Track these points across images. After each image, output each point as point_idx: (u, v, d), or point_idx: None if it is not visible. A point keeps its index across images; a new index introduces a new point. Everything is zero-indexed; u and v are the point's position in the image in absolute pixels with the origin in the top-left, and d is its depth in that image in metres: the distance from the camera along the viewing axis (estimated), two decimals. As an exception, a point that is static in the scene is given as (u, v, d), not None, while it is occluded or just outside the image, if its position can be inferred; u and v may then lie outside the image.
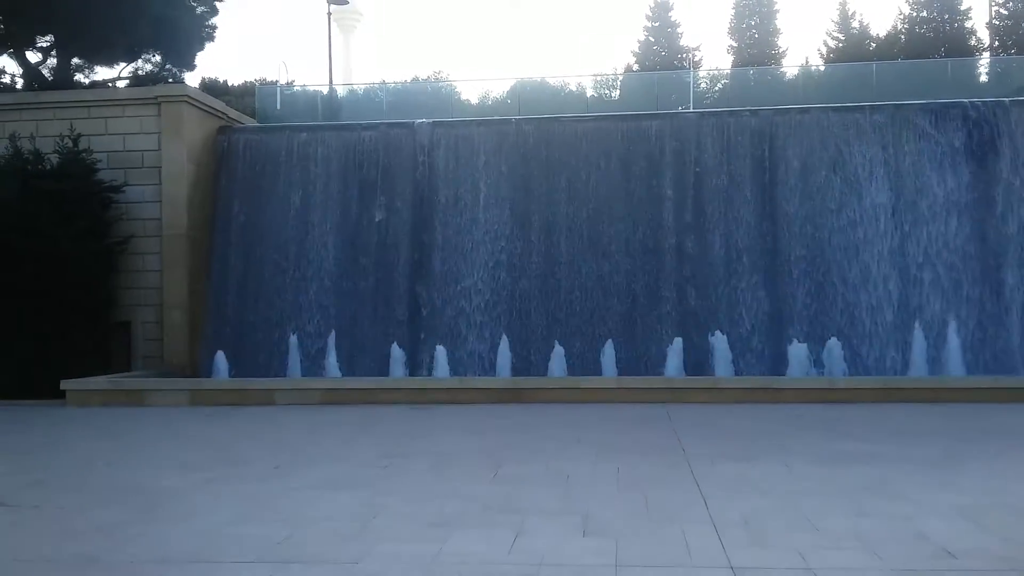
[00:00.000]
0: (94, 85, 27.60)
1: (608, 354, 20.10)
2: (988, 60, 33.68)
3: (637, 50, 46.25)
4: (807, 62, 44.51)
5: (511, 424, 14.59)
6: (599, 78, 33.71)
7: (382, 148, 21.97)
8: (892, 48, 40.26)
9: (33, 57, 26.57)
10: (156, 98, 21.78)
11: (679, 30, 46.13)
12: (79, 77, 27.52)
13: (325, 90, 28.68)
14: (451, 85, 32.34)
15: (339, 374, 20.49)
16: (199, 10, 27.86)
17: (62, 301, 19.49)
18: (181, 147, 21.52)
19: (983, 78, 26.61)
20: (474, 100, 30.35)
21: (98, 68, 28.45)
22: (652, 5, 46.27)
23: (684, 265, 20.58)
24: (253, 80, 39.88)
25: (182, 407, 17.79)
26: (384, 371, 20.52)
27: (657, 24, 46.06)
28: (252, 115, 25.68)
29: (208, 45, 29.26)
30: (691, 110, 23.33)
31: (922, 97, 21.13)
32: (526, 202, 21.32)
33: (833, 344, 19.58)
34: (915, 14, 42.14)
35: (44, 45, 26.45)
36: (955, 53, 36.77)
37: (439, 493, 9.17)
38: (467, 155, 21.73)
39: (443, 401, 17.52)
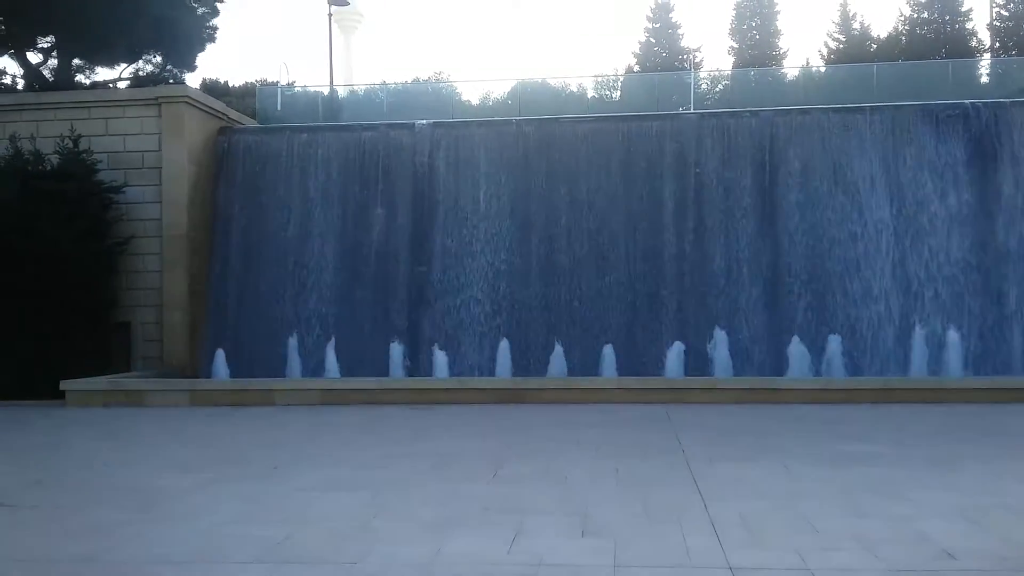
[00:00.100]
0: (95, 86, 27.62)
1: (608, 355, 20.09)
2: (989, 61, 33.68)
3: (638, 51, 46.22)
4: (808, 63, 44.45)
5: (511, 425, 14.59)
6: (600, 79, 33.66)
7: (382, 149, 21.97)
8: (893, 49, 40.22)
9: (34, 58, 26.62)
10: (157, 99, 21.78)
11: (680, 31, 46.12)
12: (80, 78, 27.55)
13: (326, 91, 28.68)
14: (451, 86, 32.32)
15: (338, 374, 20.49)
16: (200, 11, 27.89)
17: (62, 301, 19.49)
18: (181, 148, 21.53)
19: (984, 79, 26.57)
20: (475, 101, 30.33)
21: (99, 69, 28.50)
22: (653, 6, 46.26)
23: (684, 266, 20.56)
24: (254, 81, 39.86)
25: (182, 407, 17.80)
26: (384, 372, 20.51)
27: (658, 25, 46.03)
28: (253, 116, 25.68)
29: (209, 46, 29.30)
30: (692, 111, 23.32)
31: (923, 98, 21.12)
32: (526, 203, 21.31)
33: (833, 343, 19.55)
34: (916, 15, 42.11)
35: (45, 46, 26.48)
36: (956, 54, 36.73)
37: (439, 493, 9.16)
38: (467, 156, 21.72)
39: (443, 401, 17.52)
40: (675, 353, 19.91)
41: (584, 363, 20.21)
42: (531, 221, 21.22)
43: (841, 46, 43.46)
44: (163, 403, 18.09)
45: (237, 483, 9.95)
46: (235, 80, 48.86)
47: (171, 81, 27.43)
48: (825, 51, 44.27)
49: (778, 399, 16.91)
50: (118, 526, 7.99)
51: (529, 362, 20.43)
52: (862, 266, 19.98)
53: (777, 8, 45.35)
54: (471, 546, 7.12)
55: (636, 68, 44.61)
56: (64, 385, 18.35)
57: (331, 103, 27.23)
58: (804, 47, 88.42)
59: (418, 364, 20.74)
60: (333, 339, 21.00)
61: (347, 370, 20.64)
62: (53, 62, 26.60)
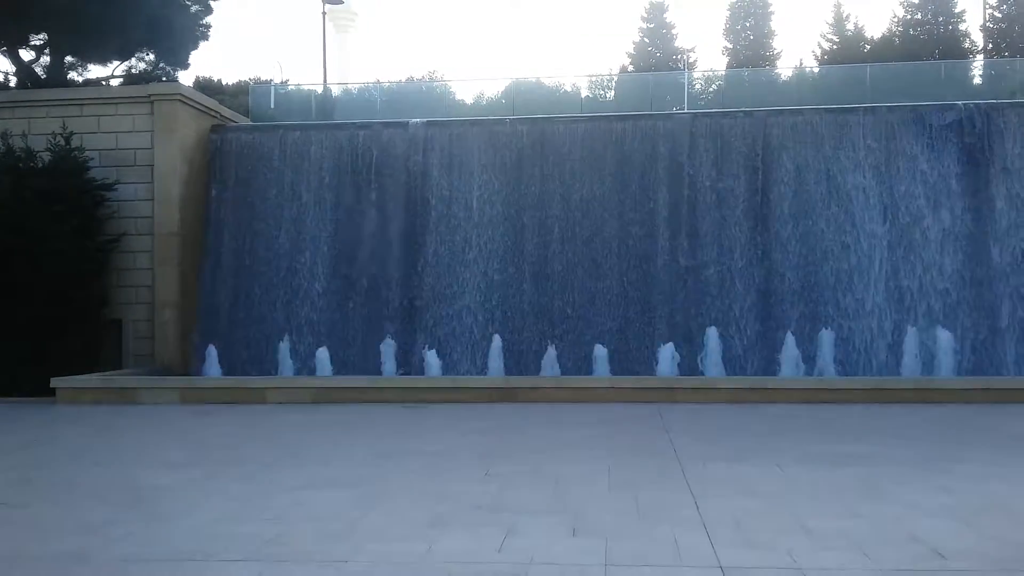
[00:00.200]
0: (87, 83, 27.51)
1: (600, 357, 20.09)
2: (982, 62, 33.74)
3: (632, 51, 46.24)
4: (801, 64, 44.56)
5: (502, 424, 14.58)
6: (594, 78, 33.65)
7: (376, 147, 21.94)
8: (886, 50, 40.27)
9: (26, 55, 26.48)
10: (149, 96, 21.71)
11: (674, 31, 46.14)
12: (72, 75, 27.43)
13: (319, 89, 28.63)
14: (445, 85, 32.31)
15: (330, 373, 20.46)
16: (193, 9, 27.78)
17: (53, 299, 19.40)
18: (174, 146, 21.46)
19: (977, 80, 26.62)
20: (469, 100, 30.29)
21: (91, 66, 28.38)
22: (647, 6, 46.27)
23: (677, 264, 20.58)
24: (247, 79, 39.77)
25: (173, 405, 17.75)
26: (375, 371, 20.48)
27: (652, 25, 46.06)
28: (246, 114, 25.61)
29: (202, 44, 29.19)
30: (685, 111, 23.32)
31: (916, 99, 21.16)
32: (519, 202, 21.30)
33: (825, 337, 19.59)
34: (909, 16, 42.22)
35: (37, 43, 26.36)
36: (949, 55, 36.84)
37: (430, 492, 9.15)
38: (461, 154, 21.71)
39: (435, 400, 17.49)
40: (667, 354, 19.91)
41: (576, 363, 20.21)
42: (524, 221, 21.21)
43: (835, 47, 43.56)
44: (154, 401, 18.04)
45: (227, 481, 9.92)
46: (228, 78, 48.78)
47: (164, 79, 27.32)
48: (819, 52, 44.37)
49: (770, 398, 16.93)
50: (108, 524, 7.96)
51: (521, 363, 20.41)
52: (855, 266, 20.00)
53: (771, 9, 45.43)
54: (461, 545, 7.10)
55: (630, 68, 44.63)
56: (55, 382, 18.26)
57: (325, 102, 27.19)
58: (798, 48, 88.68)
59: (410, 363, 20.71)
60: (325, 338, 20.96)
61: (339, 368, 20.61)
62: (46, 59, 26.49)
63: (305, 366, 20.85)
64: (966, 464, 10.46)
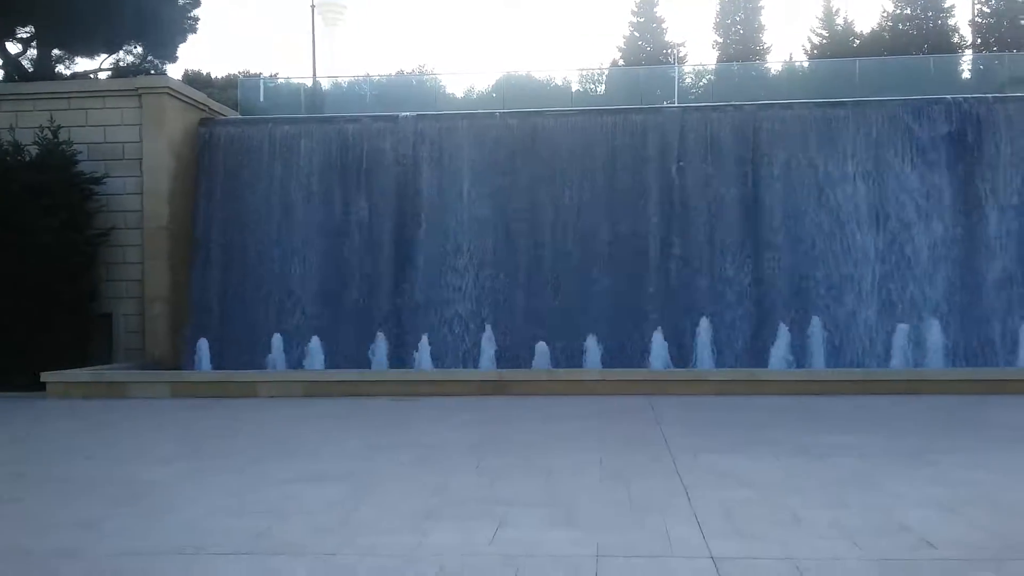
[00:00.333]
0: (75, 77, 27.36)
1: (591, 347, 20.11)
2: (971, 57, 33.87)
3: (623, 45, 46.23)
4: (791, 58, 44.63)
5: (494, 416, 14.58)
6: (584, 72, 33.65)
7: (366, 141, 21.90)
8: (876, 45, 40.37)
9: (13, 48, 26.33)
10: (137, 89, 21.61)
11: (664, 26, 46.17)
12: (60, 68, 27.28)
13: (309, 83, 28.60)
14: (436, 78, 32.17)
15: (321, 367, 20.42)
16: (181, 1, 27.64)
17: (42, 293, 19.33)
18: (162, 139, 21.38)
19: (966, 75, 26.73)
20: (459, 94, 30.22)
21: (79, 59, 28.22)
22: (638, 1, 46.24)
23: (667, 258, 20.62)
24: (236, 73, 39.61)
25: (163, 399, 17.69)
26: (366, 364, 20.45)
27: (642, 19, 46.04)
28: (235, 107, 25.53)
29: (191, 37, 29.03)
30: (675, 105, 23.35)
31: (905, 93, 21.24)
32: (510, 195, 21.31)
33: (815, 329, 19.67)
34: (899, 11, 42.32)
35: (24, 36, 26.21)
36: (938, 50, 36.93)
37: (421, 485, 9.14)
38: (451, 148, 21.69)
39: (427, 394, 17.47)
40: (658, 346, 19.95)
41: (568, 354, 20.24)
42: (515, 213, 21.21)
43: (824, 41, 43.64)
44: (145, 395, 17.97)
45: (218, 475, 9.89)
46: (217, 72, 48.53)
47: (152, 72, 27.19)
48: (808, 46, 44.45)
49: (761, 390, 16.98)
50: (100, 519, 7.93)
51: (513, 355, 20.42)
52: (846, 258, 20.09)
53: (761, 3, 45.46)
54: (453, 537, 7.10)
55: (621, 62, 44.63)
56: (45, 377, 18.19)
57: (314, 95, 27.12)
58: (788, 42, 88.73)
59: (402, 355, 20.69)
60: (316, 331, 20.92)
61: (330, 361, 20.58)
62: (33, 52, 26.34)
63: (297, 360, 20.81)
64: (955, 455, 10.51)
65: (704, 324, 20.04)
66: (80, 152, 20.83)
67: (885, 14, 42.79)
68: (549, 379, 18.01)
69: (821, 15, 44.79)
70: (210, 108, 23.36)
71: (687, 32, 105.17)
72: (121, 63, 28.29)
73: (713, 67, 33.41)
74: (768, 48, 45.16)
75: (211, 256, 21.59)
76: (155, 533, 7.45)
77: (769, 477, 9.31)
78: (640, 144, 21.24)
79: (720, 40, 45.48)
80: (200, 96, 23.27)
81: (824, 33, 44.24)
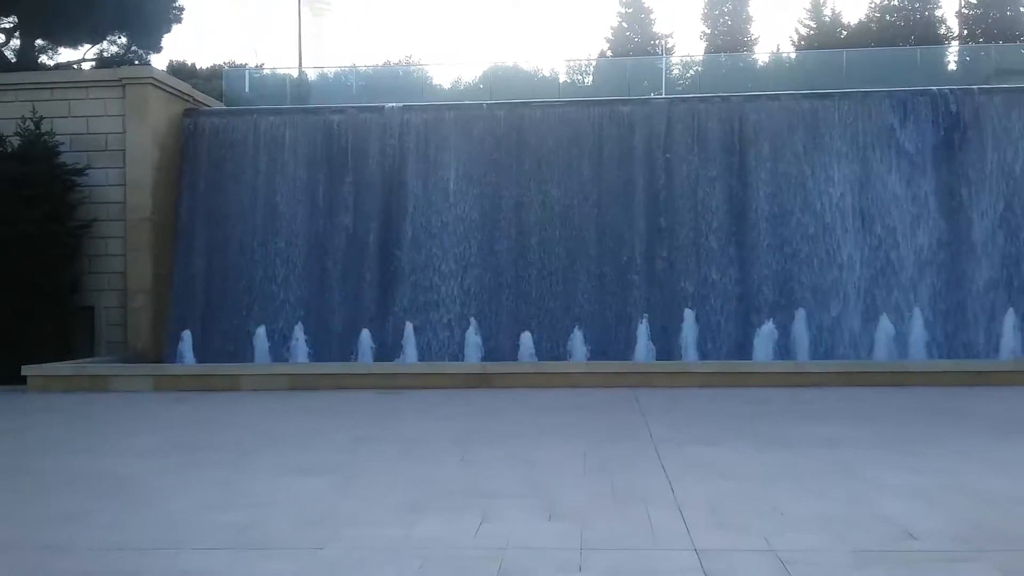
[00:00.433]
0: (58, 67, 27.15)
1: (577, 338, 20.11)
2: (957, 48, 33.91)
3: (610, 36, 46.11)
4: (779, 49, 44.63)
5: (479, 409, 14.56)
6: (572, 63, 33.56)
7: (351, 132, 21.79)
8: (863, 36, 40.42)
9: (-5, 38, 26.11)
10: (120, 80, 21.43)
11: (652, 16, 46.05)
12: (43, 59, 27.08)
13: (295, 73, 28.39)
14: (422, 69, 31.98)
15: (306, 359, 20.34)
16: (166, -9, 27.47)
17: (23, 285, 19.17)
18: (146, 130, 21.20)
19: (952, 66, 26.77)
20: (446, 85, 30.10)
21: (62, 50, 28.03)
22: (625, -9, 46.10)
23: (654, 249, 20.62)
24: (221, 63, 39.33)
25: (146, 393, 17.59)
26: (352, 356, 20.39)
27: (630, 10, 45.93)
28: (220, 98, 25.34)
29: (175, 27, 28.88)
30: (663, 96, 23.31)
31: (892, 84, 21.28)
32: (497, 186, 21.24)
33: (800, 322, 19.71)
34: (886, 3, 42.35)
35: (7, 26, 25.99)
36: (925, 42, 36.97)
37: (406, 478, 9.12)
38: (438, 139, 21.60)
39: (411, 386, 17.44)
40: (643, 336, 19.96)
41: (553, 346, 20.23)
42: (501, 205, 21.16)
43: (812, 33, 43.67)
44: (127, 388, 17.86)
45: (202, 469, 9.84)
46: (202, 62, 48.26)
47: (136, 62, 27.01)
48: (796, 37, 44.47)
49: (745, 382, 17.02)
50: (85, 513, 7.87)
51: (498, 347, 20.39)
52: (831, 248, 20.13)
53: (749, -6, 45.41)
54: (438, 530, 7.08)
55: (608, 53, 44.52)
56: (26, 370, 18.06)
57: (300, 86, 26.94)
58: (775, 33, 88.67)
59: (387, 348, 20.62)
60: (301, 324, 20.83)
61: (315, 354, 20.50)
62: (15, 43, 26.12)
63: (281, 352, 20.71)
64: (937, 446, 10.56)
65: (689, 316, 20.05)
66: (63, 143, 20.64)
67: (872, 5, 42.84)
68: (534, 371, 18.00)
69: (809, 6, 44.78)
70: (195, 99, 23.18)
71: (675, 23, 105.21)
72: (105, 53, 28.09)
73: (701, 58, 33.39)
74: (756, 39, 45.15)
75: (195, 248, 21.44)
76: (137, 527, 7.41)
77: (752, 469, 9.33)
78: (627, 135, 21.21)
79: (708, 31, 45.44)
80: (185, 87, 23.10)
81: (812, 24, 44.26)
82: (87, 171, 20.77)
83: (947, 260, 19.96)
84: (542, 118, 21.54)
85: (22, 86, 21.43)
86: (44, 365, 18.36)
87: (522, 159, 21.29)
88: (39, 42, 26.39)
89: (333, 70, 30.46)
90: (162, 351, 20.92)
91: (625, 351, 19.95)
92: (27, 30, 25.42)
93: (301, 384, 17.78)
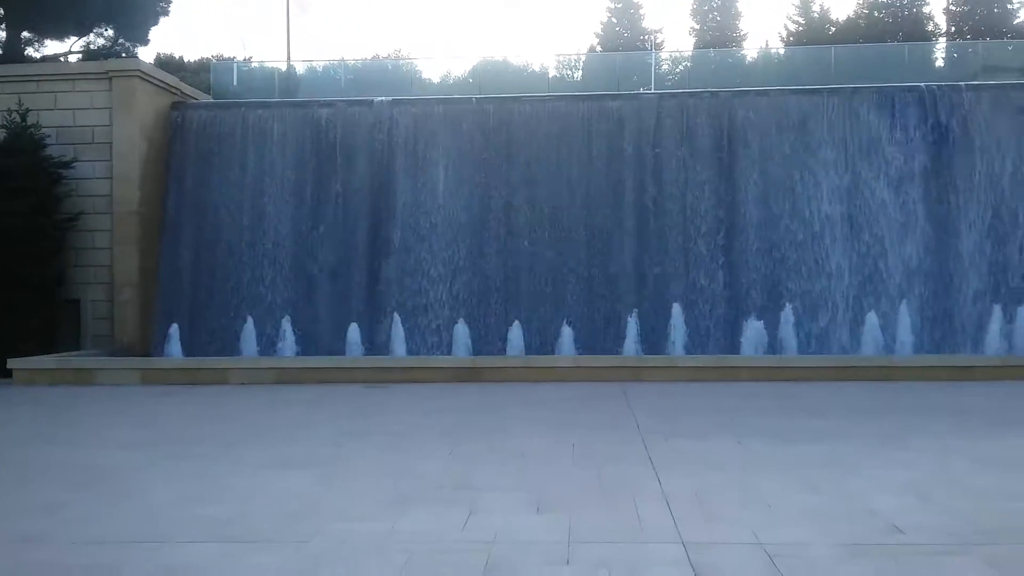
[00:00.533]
0: (44, 59, 26.97)
1: (566, 333, 20.11)
2: (945, 45, 34.05)
3: (600, 31, 46.22)
4: (767, 45, 44.80)
5: (467, 403, 14.54)
6: (562, 58, 33.58)
7: (340, 125, 21.70)
8: (851, 32, 40.56)
9: (-19, 30, 25.92)
10: (107, 73, 21.27)
11: (641, 11, 46.21)
12: (29, 51, 26.89)
13: (283, 67, 28.26)
14: (411, 63, 31.86)
15: (294, 353, 20.27)
16: (153, -17, 27.31)
17: (9, 278, 19.03)
18: (133, 123, 21.05)
19: (940, 63, 26.86)
20: (435, 79, 30.04)
21: (48, 42, 27.88)
22: (615, -13, 46.14)
23: (642, 245, 20.62)
24: (209, 56, 39.14)
25: (133, 386, 17.48)
26: (340, 350, 20.32)
27: (620, 6, 46.01)
28: (208, 91, 25.22)
29: (163, 20, 28.75)
30: (652, 91, 23.30)
31: (880, 80, 21.34)
32: (486, 181, 21.20)
33: (787, 318, 19.76)
34: (874, -1, 42.54)
35: (-7, 18, 25.80)
36: (913, 38, 37.15)
37: (394, 472, 9.08)
38: (427, 133, 21.53)
39: (400, 380, 17.39)
40: (632, 333, 19.96)
41: (542, 341, 20.22)
42: (490, 200, 21.11)
43: (800, 28, 43.81)
44: (113, 382, 17.75)
45: (187, 462, 9.78)
46: (190, 55, 47.94)
47: (123, 55, 26.84)
48: (785, 33, 44.63)
49: (734, 377, 17.05)
50: (65, 505, 7.81)
51: (487, 342, 20.37)
52: (819, 244, 20.17)
53: (738, -10, 45.52)
54: (425, 523, 7.05)
55: (598, 48, 44.57)
56: (11, 363, 17.93)
57: (288, 79, 26.84)
58: (764, 29, 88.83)
59: (375, 342, 20.58)
60: (289, 318, 20.76)
61: (303, 348, 20.44)
62: (1, 35, 25.91)
63: (269, 346, 20.63)
64: (924, 440, 10.59)
65: (678, 311, 20.07)
66: (49, 136, 20.50)
67: (861, 2, 43.02)
68: (523, 365, 17.98)
69: (797, 3, 44.95)
70: (182, 92, 23.04)
71: (664, 19, 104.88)
72: (92, 46, 27.93)
73: (690, 54, 33.43)
74: (745, 35, 45.33)
75: (182, 242, 21.32)
76: (120, 520, 7.35)
77: (740, 462, 9.33)
78: (616, 130, 21.19)
79: (697, 27, 45.56)
80: (172, 79, 22.96)
81: (800, 20, 44.41)
82: (73, 164, 20.62)
83: (937, 254, 20.03)
84: (532, 113, 21.51)
85: (8, 78, 21.23)
86: (30, 358, 18.24)
87: (512, 154, 21.24)
88: (25, 34, 26.22)
89: (321, 64, 30.40)
90: (149, 345, 20.81)
91: (614, 346, 20.00)
92: (13, 22, 25.24)
93: (289, 378, 17.70)
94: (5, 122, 20.00)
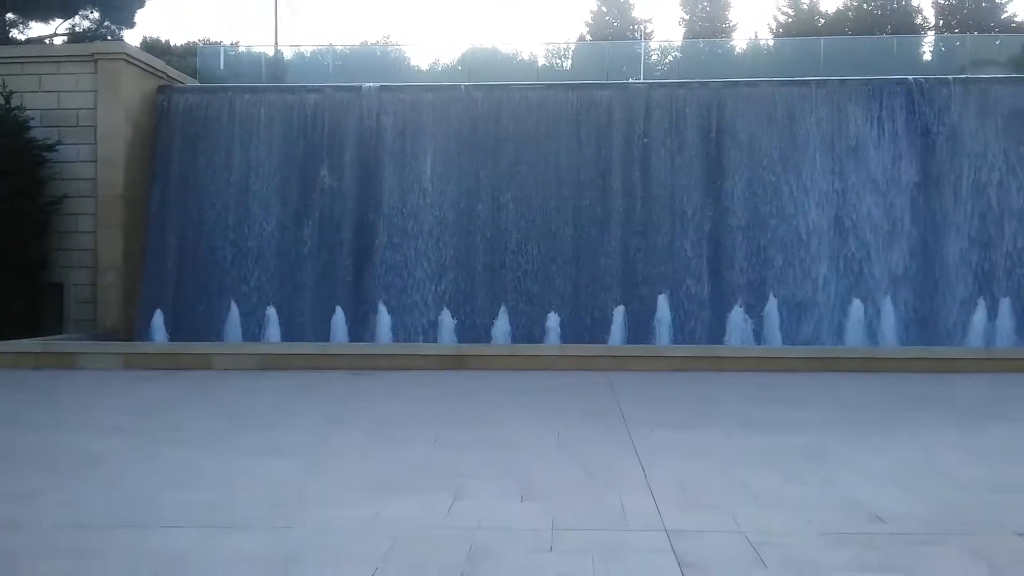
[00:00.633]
0: (29, 42, 26.71)
1: (552, 321, 20.12)
2: (933, 38, 34.13)
3: (590, 20, 46.12)
4: (756, 36, 44.78)
5: (452, 390, 14.53)
6: (551, 47, 33.49)
7: (328, 111, 21.61)
8: (840, 25, 40.64)
9: (-36, 11, 25.61)
10: (92, 55, 21.10)
11: (631, 1, 46.14)
12: (14, 33, 26.63)
13: (270, 52, 28.08)
14: (400, 50, 31.79)
15: (279, 339, 20.20)
16: (139, -34, 27.05)
17: (-8, 262, 18.92)
18: (118, 106, 20.90)
19: (927, 56, 26.95)
20: (424, 67, 29.91)
21: (33, 24, 27.57)
22: (605, -25, 46.02)
23: (629, 234, 20.65)
24: (196, 40, 38.83)
25: (116, 371, 17.37)
26: (326, 336, 20.27)
27: (610, -5, 45.89)
28: (194, 75, 25.03)
29: (149, 3, 28.64)
30: (641, 81, 23.30)
31: (868, 73, 21.40)
32: (474, 169, 21.18)
33: (771, 309, 19.84)
34: (863, -9, 42.56)
35: (-24, -1, 25.50)
36: (901, 31, 37.24)
37: (378, 459, 9.06)
38: (415, 120, 21.47)
39: (386, 367, 17.34)
40: (618, 321, 20.00)
41: (529, 329, 20.24)
42: (478, 187, 21.10)
43: (790, 20, 43.83)
44: (96, 366, 17.63)
45: (170, 448, 9.71)
46: (176, 39, 47.60)
47: (108, 38, 26.60)
48: (774, 25, 44.65)
49: (718, 367, 17.09)
50: (46, 490, 7.74)
51: (474, 330, 20.37)
52: (805, 236, 20.26)
53: (728, -19, 45.49)
54: (409, 510, 7.03)
55: (587, 37, 44.47)
56: (-6, 347, 17.83)
57: (275, 65, 26.68)
58: (753, 21, 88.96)
59: (361, 328, 20.54)
60: (274, 303, 20.71)
61: (288, 334, 20.38)
62: (-15, 16, 25.64)
63: (254, 331, 20.56)
64: (907, 430, 10.65)
65: (664, 301, 20.11)
66: (33, 118, 20.35)
67: (850, -6, 43.02)
68: (509, 354, 17.97)
69: (788, -6, 44.90)
70: (168, 76, 22.88)
71: (654, 8, 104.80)
72: (77, 28, 27.69)
73: (679, 44, 33.37)
74: (734, 26, 45.35)
75: (167, 225, 21.22)
76: (101, 505, 7.29)
77: (724, 452, 9.36)
78: (605, 120, 21.19)
79: (687, 17, 45.53)
80: (158, 63, 22.79)
81: (790, 12, 44.42)
82: (57, 147, 20.48)
83: (922, 248, 20.17)
84: (521, 101, 21.49)
85: (-9, 60, 21.05)
86: (12, 342, 18.11)
87: (500, 141, 21.26)
88: (10, 16, 25.96)
89: (309, 49, 30.23)
90: (132, 329, 20.72)
91: (601, 335, 20.06)
92: (-3, 3, 24.99)
93: (273, 364, 17.62)
94: (-11, 104, 19.83)
